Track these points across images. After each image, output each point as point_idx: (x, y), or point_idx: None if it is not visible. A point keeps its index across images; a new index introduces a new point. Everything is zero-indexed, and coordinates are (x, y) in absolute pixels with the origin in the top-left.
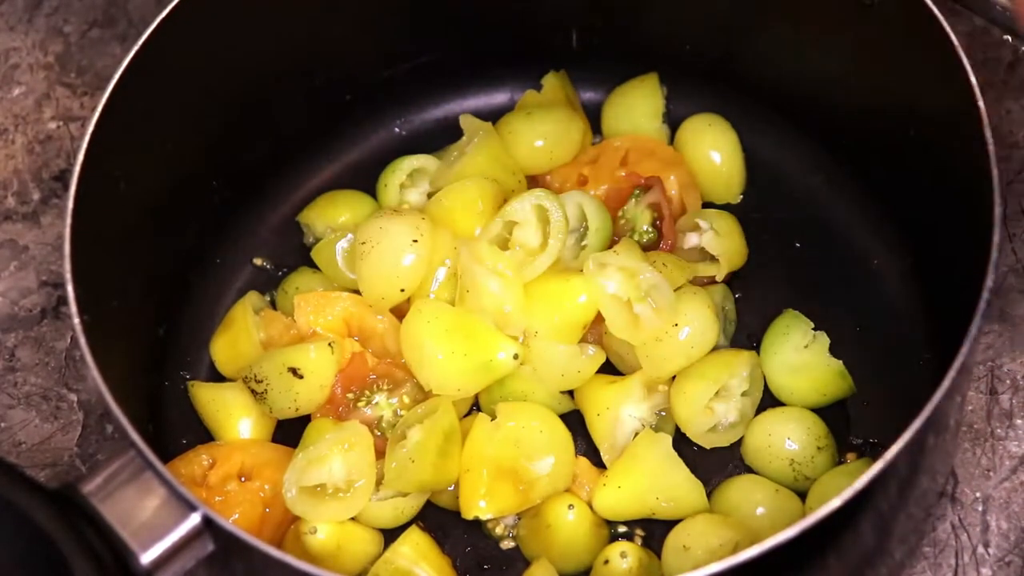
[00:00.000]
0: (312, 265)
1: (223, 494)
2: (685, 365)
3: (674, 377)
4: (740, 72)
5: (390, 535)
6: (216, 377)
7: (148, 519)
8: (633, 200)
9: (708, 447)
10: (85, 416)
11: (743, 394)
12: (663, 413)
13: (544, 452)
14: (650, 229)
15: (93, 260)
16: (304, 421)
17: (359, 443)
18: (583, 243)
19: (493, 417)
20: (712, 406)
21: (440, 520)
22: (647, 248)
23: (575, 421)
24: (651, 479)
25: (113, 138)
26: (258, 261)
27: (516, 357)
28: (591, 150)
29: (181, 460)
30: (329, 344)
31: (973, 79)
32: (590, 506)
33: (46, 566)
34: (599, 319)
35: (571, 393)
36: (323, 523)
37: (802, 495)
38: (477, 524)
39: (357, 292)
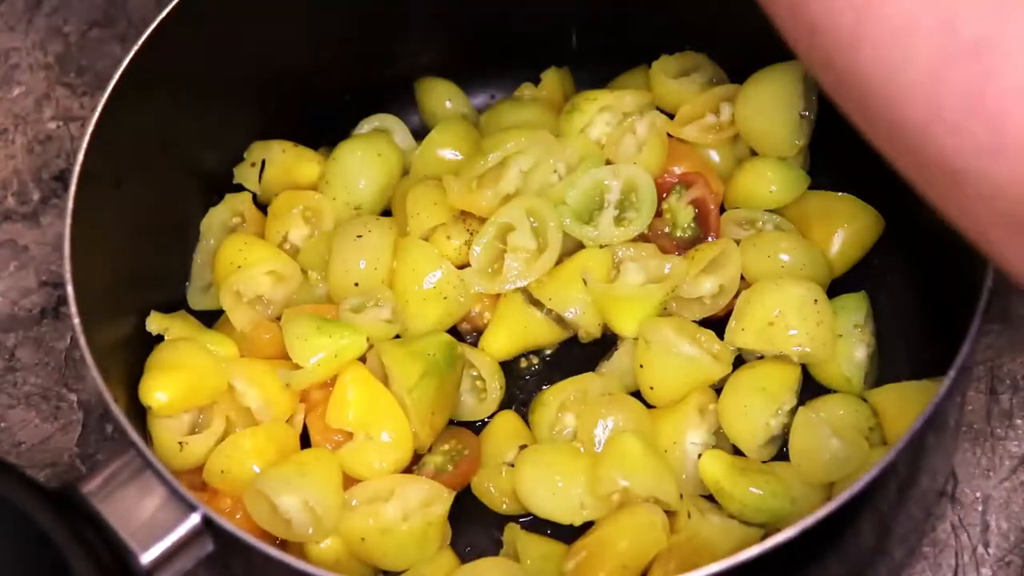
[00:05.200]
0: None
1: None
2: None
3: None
4: (740, 72)
5: None
6: None
7: (148, 519)
8: (676, 195)
9: (760, 460)
10: (85, 416)
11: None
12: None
13: None
14: (691, 225)
15: (93, 260)
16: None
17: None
18: (623, 218)
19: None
20: (769, 421)
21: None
22: (687, 244)
23: None
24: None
25: (113, 138)
26: None
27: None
28: None
29: None
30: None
31: None
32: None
33: (46, 566)
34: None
35: None
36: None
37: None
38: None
39: None
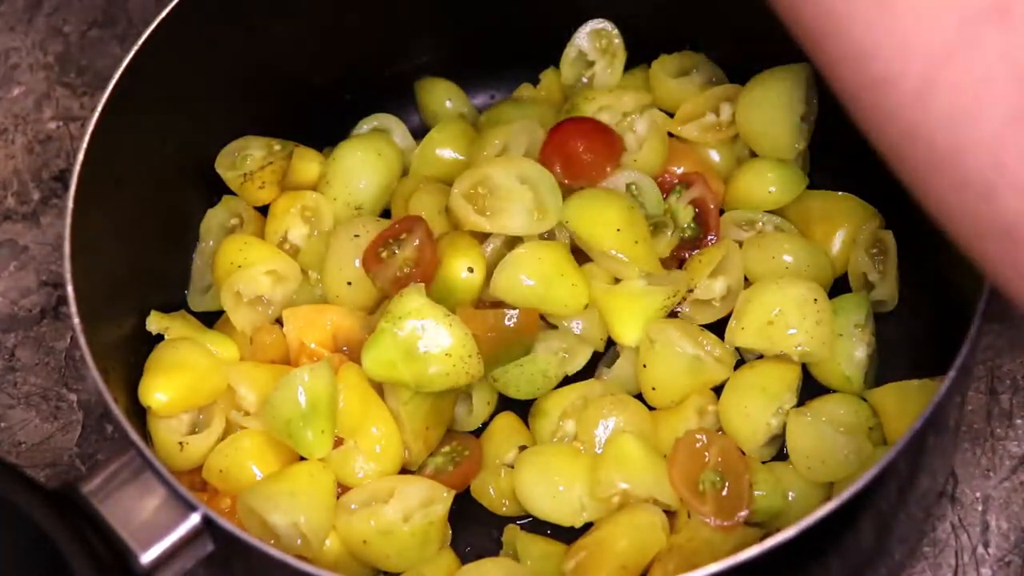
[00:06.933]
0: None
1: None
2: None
3: (717, 395)
4: (742, 71)
5: None
6: None
7: (148, 519)
8: (676, 195)
9: (760, 460)
10: (85, 416)
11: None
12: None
13: None
14: (691, 225)
15: (93, 260)
16: None
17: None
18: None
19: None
20: (770, 421)
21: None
22: (688, 244)
23: None
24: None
25: (113, 138)
26: None
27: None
28: None
29: None
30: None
31: None
32: None
33: (46, 566)
34: None
35: None
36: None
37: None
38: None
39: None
